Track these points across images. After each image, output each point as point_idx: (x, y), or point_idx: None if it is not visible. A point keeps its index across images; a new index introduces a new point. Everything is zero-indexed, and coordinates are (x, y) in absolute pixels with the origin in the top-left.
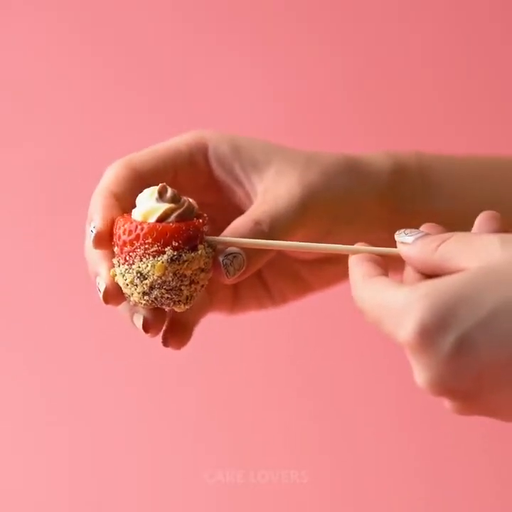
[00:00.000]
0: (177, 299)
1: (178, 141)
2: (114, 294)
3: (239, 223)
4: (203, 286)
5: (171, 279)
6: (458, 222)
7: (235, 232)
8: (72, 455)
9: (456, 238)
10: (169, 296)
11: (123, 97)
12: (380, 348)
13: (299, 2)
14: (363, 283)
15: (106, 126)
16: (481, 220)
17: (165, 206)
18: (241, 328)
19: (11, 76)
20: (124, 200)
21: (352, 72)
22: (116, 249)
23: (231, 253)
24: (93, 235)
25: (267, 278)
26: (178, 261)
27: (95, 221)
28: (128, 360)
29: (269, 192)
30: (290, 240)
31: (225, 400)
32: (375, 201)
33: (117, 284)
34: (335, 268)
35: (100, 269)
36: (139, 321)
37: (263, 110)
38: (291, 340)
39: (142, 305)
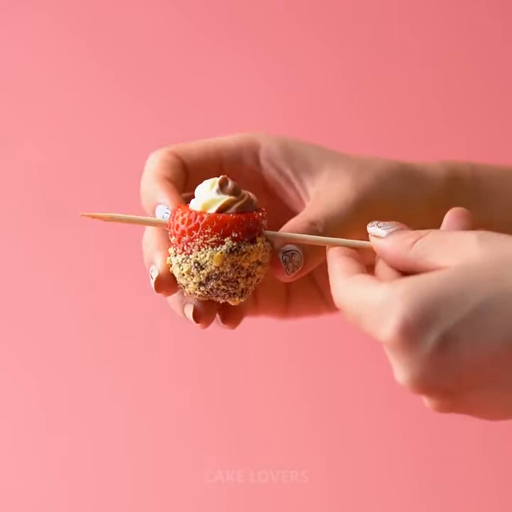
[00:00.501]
0: (232, 292)
1: (228, 138)
2: (166, 283)
3: (294, 223)
4: (258, 280)
5: (228, 270)
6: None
7: (290, 232)
8: (72, 455)
9: (433, 235)
10: (225, 287)
11: (123, 98)
12: (380, 348)
13: (299, 2)
14: (342, 281)
15: (106, 126)
16: (450, 217)
17: (225, 198)
18: (241, 328)
19: (11, 76)
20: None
21: (352, 72)
22: (173, 238)
23: (289, 250)
24: (167, 213)
25: (321, 282)
26: (237, 252)
27: (164, 204)
28: (128, 361)
29: (323, 195)
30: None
31: (225, 400)
32: (428, 207)
33: (171, 274)
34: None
35: (156, 257)
36: (189, 311)
37: (263, 110)
38: (291, 341)
39: (197, 296)
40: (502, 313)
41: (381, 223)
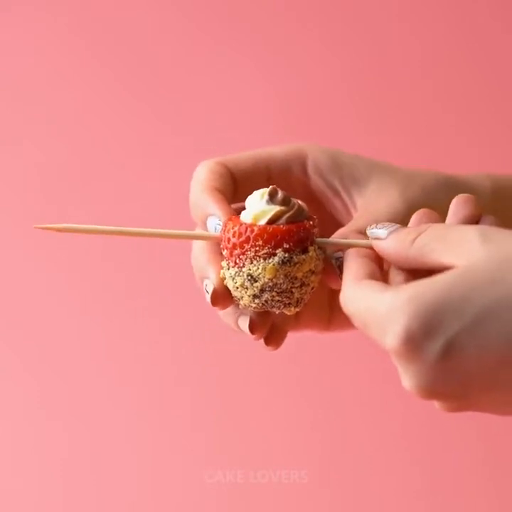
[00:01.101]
0: (287, 302)
1: (276, 148)
2: (222, 297)
3: (343, 232)
4: (313, 288)
5: (281, 281)
6: None
7: (341, 247)
8: (72, 455)
9: (433, 230)
10: (280, 298)
11: (123, 98)
12: (380, 348)
13: (299, 2)
14: (350, 286)
15: (106, 126)
16: (455, 204)
17: (276, 208)
18: None
19: (11, 76)
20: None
21: (352, 72)
22: (225, 252)
23: (340, 256)
24: (219, 225)
25: None
26: (290, 263)
27: (216, 215)
28: (128, 361)
29: (371, 205)
30: None
31: (225, 400)
32: None
33: (226, 287)
34: None
35: (209, 272)
36: (244, 323)
37: (263, 110)
38: (291, 341)
39: (252, 308)
40: (505, 317)
41: (380, 224)
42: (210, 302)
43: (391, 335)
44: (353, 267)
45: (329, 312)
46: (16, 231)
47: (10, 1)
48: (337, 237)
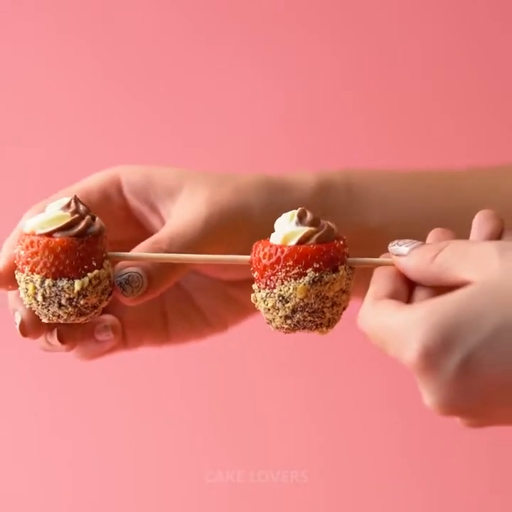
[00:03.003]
0: (319, 322)
1: (90, 179)
2: (31, 326)
3: (140, 246)
4: (344, 308)
5: (313, 301)
6: (391, 233)
7: (131, 262)
8: (73, 456)
9: (453, 247)
10: (312, 319)
11: (123, 98)
12: (380, 348)
13: (299, 2)
14: (367, 305)
15: (106, 127)
16: (478, 220)
17: (305, 229)
18: (241, 328)
19: (11, 76)
20: None
21: (352, 73)
22: (255, 274)
23: (125, 273)
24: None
25: (200, 303)
26: (320, 282)
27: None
28: (128, 361)
29: (175, 214)
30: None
31: (225, 400)
32: None
33: (35, 315)
34: None
35: (17, 304)
36: (18, 318)
37: (263, 111)
38: (291, 341)
39: (284, 330)
40: None
41: (401, 241)
42: (19, 332)
43: (409, 350)
44: (373, 287)
45: (163, 326)
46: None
47: (10, 1)
48: (136, 249)
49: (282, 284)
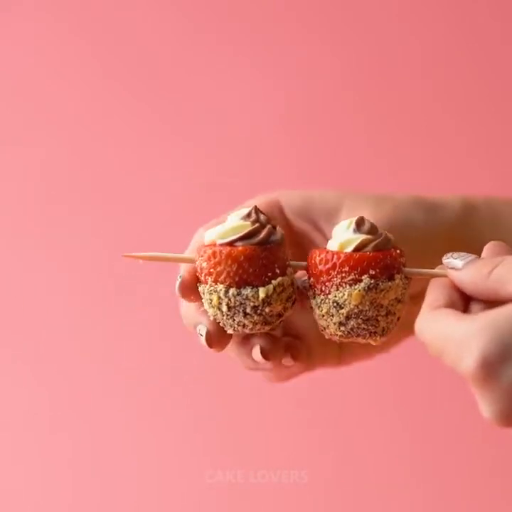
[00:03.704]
0: (373, 331)
1: (252, 201)
2: (216, 336)
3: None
4: (399, 318)
5: (367, 308)
6: None
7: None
8: (73, 456)
9: (508, 263)
10: (365, 326)
11: (123, 98)
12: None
13: (299, 2)
14: (426, 314)
15: (106, 127)
16: None
17: (362, 237)
18: None
19: (11, 76)
20: None
21: (352, 73)
22: (311, 280)
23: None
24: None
25: None
26: (375, 289)
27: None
28: (128, 361)
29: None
30: None
31: (225, 400)
32: (445, 234)
33: (219, 326)
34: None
35: (201, 317)
36: (203, 330)
37: (263, 110)
38: None
39: (338, 337)
40: None
41: (456, 254)
42: (205, 344)
43: (468, 360)
44: (430, 297)
45: (339, 348)
46: (16, 231)
47: (10, 1)
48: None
49: (337, 290)
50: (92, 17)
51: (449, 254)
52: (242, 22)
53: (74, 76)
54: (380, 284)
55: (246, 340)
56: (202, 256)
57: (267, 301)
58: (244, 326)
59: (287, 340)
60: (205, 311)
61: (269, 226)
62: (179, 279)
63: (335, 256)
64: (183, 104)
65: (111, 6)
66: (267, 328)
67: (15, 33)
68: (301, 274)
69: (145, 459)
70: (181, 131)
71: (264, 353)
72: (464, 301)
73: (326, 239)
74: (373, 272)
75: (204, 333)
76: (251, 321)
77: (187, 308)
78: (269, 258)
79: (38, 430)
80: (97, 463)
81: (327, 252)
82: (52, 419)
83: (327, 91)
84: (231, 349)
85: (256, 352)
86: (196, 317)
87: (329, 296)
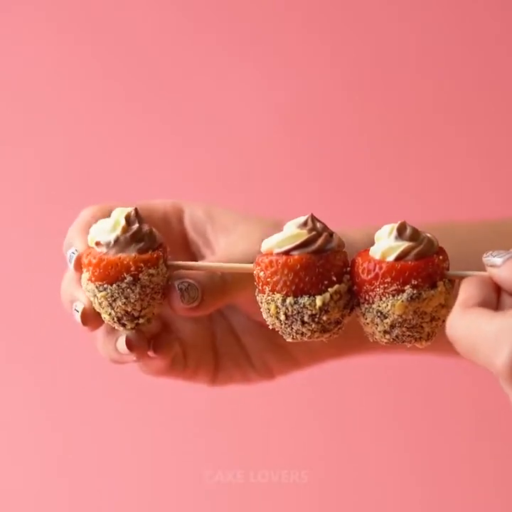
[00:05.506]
0: (418, 336)
1: (156, 201)
2: (91, 316)
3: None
4: (443, 321)
5: (411, 317)
6: None
7: (190, 274)
8: (73, 456)
9: None
10: (410, 333)
11: (123, 98)
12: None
13: (299, 2)
14: (457, 312)
15: (106, 127)
16: None
17: (404, 244)
18: None
19: (11, 76)
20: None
21: (352, 73)
22: (354, 287)
23: (186, 281)
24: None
25: (248, 346)
26: (418, 299)
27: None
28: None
29: (229, 243)
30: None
31: (225, 400)
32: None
33: (93, 308)
34: (323, 344)
35: (79, 294)
36: (121, 344)
37: (263, 111)
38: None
39: (384, 343)
40: None
41: (495, 252)
42: (79, 321)
43: (501, 357)
44: (463, 295)
45: (215, 365)
46: (16, 231)
47: (10, 1)
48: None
49: (380, 299)
50: (92, 17)
51: (489, 253)
52: (242, 22)
53: (74, 76)
54: (423, 293)
55: (112, 330)
56: (259, 265)
57: (324, 309)
58: (302, 334)
59: (154, 332)
60: (82, 288)
61: (325, 234)
62: (79, 310)
63: (377, 266)
64: (182, 104)
65: (111, 6)
66: (326, 335)
67: (15, 33)
68: (183, 274)
69: (144, 459)
70: (181, 131)
71: (129, 344)
72: (497, 298)
73: (214, 253)
74: (416, 282)
75: (80, 310)
76: (309, 329)
77: (68, 284)
78: (326, 266)
79: (38, 430)
80: (96, 463)
81: (369, 261)
82: (51, 419)
83: (327, 91)
84: (97, 340)
85: (121, 342)
86: (74, 294)
87: (373, 306)
